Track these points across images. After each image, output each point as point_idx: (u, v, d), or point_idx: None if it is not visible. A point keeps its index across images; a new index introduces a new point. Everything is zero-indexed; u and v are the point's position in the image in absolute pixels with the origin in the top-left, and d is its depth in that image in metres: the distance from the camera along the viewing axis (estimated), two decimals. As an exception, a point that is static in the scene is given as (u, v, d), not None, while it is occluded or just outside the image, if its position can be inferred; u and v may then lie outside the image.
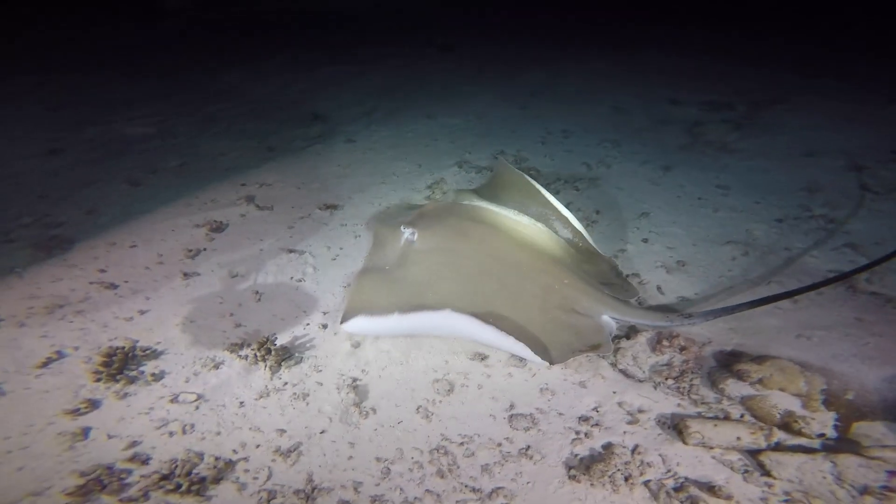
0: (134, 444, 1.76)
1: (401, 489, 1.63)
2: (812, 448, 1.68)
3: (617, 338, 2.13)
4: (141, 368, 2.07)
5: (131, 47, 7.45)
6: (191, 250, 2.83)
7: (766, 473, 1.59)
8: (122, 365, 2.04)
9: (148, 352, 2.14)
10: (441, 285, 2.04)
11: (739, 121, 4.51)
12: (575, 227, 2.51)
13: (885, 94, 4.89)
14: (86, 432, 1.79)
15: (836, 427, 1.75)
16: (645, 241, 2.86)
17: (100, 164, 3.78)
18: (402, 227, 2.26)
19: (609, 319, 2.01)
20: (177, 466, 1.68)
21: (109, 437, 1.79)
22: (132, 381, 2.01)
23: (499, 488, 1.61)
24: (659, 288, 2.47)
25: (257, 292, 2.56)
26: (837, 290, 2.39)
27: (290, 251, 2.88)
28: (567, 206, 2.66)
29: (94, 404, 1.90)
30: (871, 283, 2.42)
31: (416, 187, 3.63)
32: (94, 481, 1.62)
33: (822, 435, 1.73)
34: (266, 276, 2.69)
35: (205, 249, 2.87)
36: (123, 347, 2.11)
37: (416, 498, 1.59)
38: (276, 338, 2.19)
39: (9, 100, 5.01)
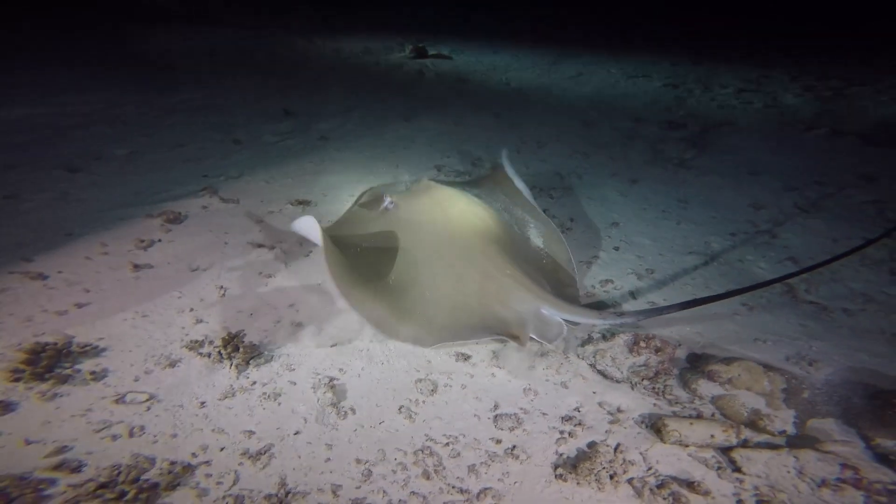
0: (62, 449, 1.51)
1: (384, 491, 1.52)
2: (777, 444, 1.76)
3: (592, 340, 2.16)
4: (77, 366, 1.81)
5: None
6: (143, 241, 2.56)
7: (738, 469, 1.65)
8: (51, 362, 1.77)
9: (87, 348, 1.88)
10: (398, 253, 2.24)
11: (694, 139, 4.86)
12: (550, 232, 2.62)
13: (804, 121, 5.49)
14: (-6, 438, 1.52)
15: (795, 424, 1.86)
16: (616, 249, 2.96)
17: (27, 149, 3.37)
18: (385, 196, 2.47)
19: (548, 314, 2.05)
20: (120, 473, 1.46)
21: (28, 442, 1.53)
22: (64, 380, 1.75)
23: (486, 489, 1.55)
24: (632, 293, 2.54)
25: (222, 287, 2.35)
26: (784, 298, 2.58)
27: (259, 246, 2.69)
28: (543, 212, 2.74)
29: (7, 407, 1.62)
30: (809, 293, 2.64)
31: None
32: (-5, 495, 1.33)
33: (783, 432, 1.83)
34: (232, 270, 2.49)
35: (160, 240, 2.61)
36: (55, 343, 1.84)
37: (400, 500, 1.49)
38: (245, 334, 2.01)
39: None
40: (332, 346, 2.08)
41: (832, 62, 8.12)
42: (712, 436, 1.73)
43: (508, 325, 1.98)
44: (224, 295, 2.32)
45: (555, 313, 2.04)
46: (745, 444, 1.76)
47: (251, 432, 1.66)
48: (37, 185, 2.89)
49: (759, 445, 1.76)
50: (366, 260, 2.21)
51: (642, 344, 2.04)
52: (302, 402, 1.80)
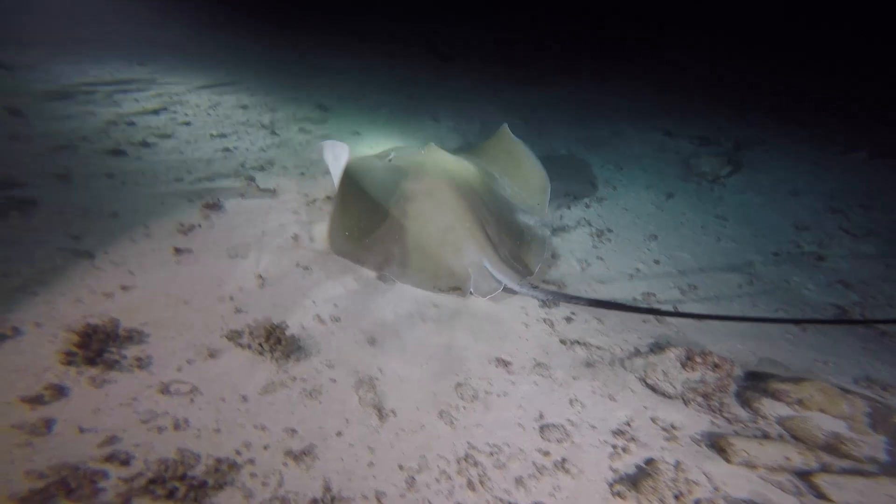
0: (112, 440, 1.48)
1: (429, 501, 1.48)
2: (869, 472, 1.65)
3: (640, 353, 2.10)
4: (123, 352, 1.79)
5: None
6: (183, 225, 2.55)
7: (823, 496, 1.54)
8: (101, 346, 1.76)
9: (132, 333, 1.86)
10: (383, 194, 2.64)
11: (728, 156, 4.76)
12: (537, 197, 3.03)
13: (838, 143, 5.35)
14: (49, 425, 1.49)
15: (887, 451, 1.74)
16: (657, 262, 2.89)
17: (77, 128, 3.39)
18: (391, 151, 3.01)
19: (489, 269, 2.40)
20: (168, 468, 1.43)
21: (81, 430, 1.51)
22: (112, 366, 1.73)
23: (537, 503, 1.49)
24: (675, 307, 2.48)
25: (260, 276, 2.33)
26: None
27: (296, 237, 2.67)
28: (577, 223, 2.73)
29: (61, 392, 1.60)
30: (864, 316, 2.55)
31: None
32: (56, 484, 1.31)
33: (873, 458, 1.70)
34: (270, 260, 2.46)
35: (199, 226, 2.60)
36: (104, 327, 1.83)
37: (448, 511, 1.45)
38: (286, 327, 1.98)
39: None
40: (370, 345, 2.04)
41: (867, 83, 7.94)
42: (787, 458, 1.64)
43: (456, 276, 2.38)
44: (262, 285, 2.29)
45: (492, 270, 2.37)
46: (826, 468, 1.66)
47: (293, 430, 1.63)
48: (86, 166, 2.90)
49: (846, 471, 1.66)
50: (359, 195, 2.64)
51: (697, 360, 1.97)
52: (343, 402, 1.76)
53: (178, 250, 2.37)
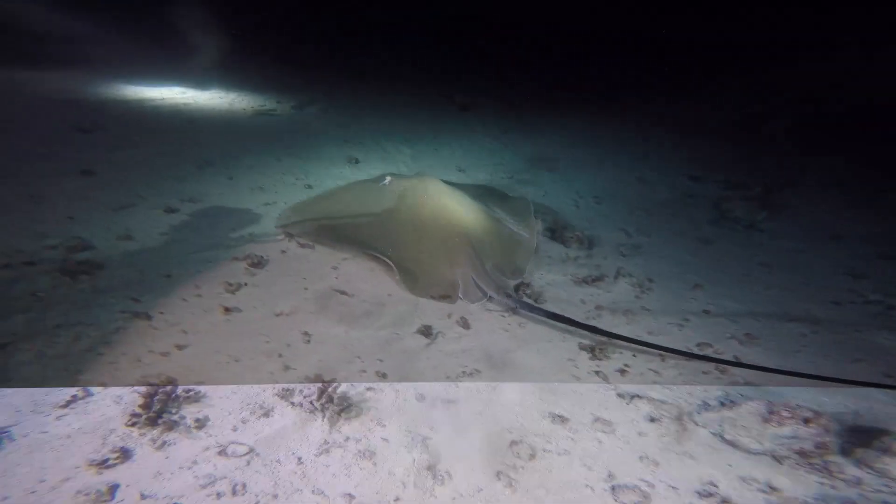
0: (173, 507, 1.45)
1: (499, 578, 1.36)
2: None
3: (712, 406, 1.99)
4: (182, 412, 1.79)
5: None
6: (231, 284, 2.63)
7: None
8: (162, 407, 1.76)
9: (189, 393, 1.87)
10: (377, 213, 3.05)
11: (759, 200, 4.74)
12: (526, 228, 3.36)
13: (872, 182, 5.28)
14: (113, 491, 1.47)
15: None
16: (706, 312, 2.81)
17: (134, 188, 3.63)
18: (386, 176, 3.27)
19: (476, 281, 2.73)
20: (229, 538, 1.38)
21: (143, 496, 1.48)
22: (172, 427, 1.72)
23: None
24: (736, 357, 2.37)
25: (306, 333, 2.35)
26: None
27: (342, 293, 2.71)
28: (618, 272, 2.73)
29: (125, 454, 1.59)
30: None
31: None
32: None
33: None
34: (314, 316, 2.49)
35: (246, 284, 2.68)
36: (164, 387, 1.84)
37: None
38: (337, 384, 1.96)
39: (45, 118, 4.94)
40: (419, 401, 2.00)
41: None
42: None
43: (445, 284, 2.70)
44: (309, 341, 2.31)
45: (478, 282, 2.70)
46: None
47: (351, 496, 1.56)
48: (145, 225, 3.08)
49: None
50: (353, 213, 3.07)
51: (783, 413, 1.83)
52: (397, 463, 1.70)
53: (227, 309, 2.43)
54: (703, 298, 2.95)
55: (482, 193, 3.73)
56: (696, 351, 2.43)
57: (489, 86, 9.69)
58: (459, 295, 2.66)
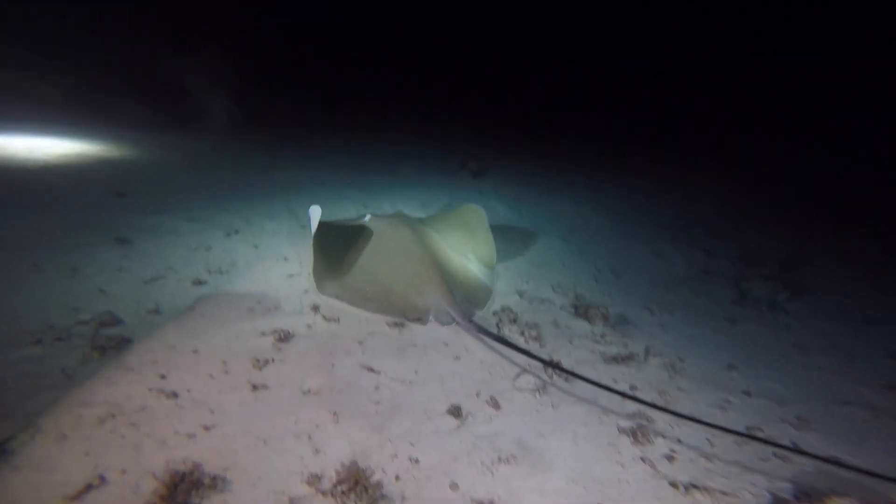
0: None
1: None
2: None
3: (786, 499, 1.82)
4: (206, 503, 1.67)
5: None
6: (258, 360, 2.59)
7: None
8: (185, 497, 1.65)
9: (216, 481, 1.76)
10: (356, 246, 3.47)
11: (778, 279, 4.75)
12: (486, 262, 3.98)
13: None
14: None
15: None
16: (747, 393, 2.70)
17: (164, 258, 3.72)
18: (366, 214, 3.73)
19: (445, 306, 3.14)
20: None
21: None
22: (194, 519, 1.60)
23: None
24: (794, 443, 2.22)
25: (335, 413, 2.26)
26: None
27: (369, 370, 2.65)
28: (647, 351, 2.70)
29: None
30: None
31: (482, 314, 3.57)
32: None
33: None
34: (342, 395, 2.42)
35: (273, 360, 2.63)
36: (189, 474, 1.74)
37: None
38: (371, 472, 1.84)
39: (84, 184, 5.16)
40: (453, 490, 1.86)
41: None
42: None
43: (417, 309, 3.12)
44: (338, 421, 2.21)
45: (448, 308, 3.10)
46: None
47: None
48: (173, 299, 3.10)
49: None
50: (337, 246, 3.43)
51: None
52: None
53: (254, 387, 2.37)
54: (741, 379, 2.85)
55: (457, 226, 4.16)
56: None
57: (498, 148, 10.20)
58: (431, 317, 3.13)
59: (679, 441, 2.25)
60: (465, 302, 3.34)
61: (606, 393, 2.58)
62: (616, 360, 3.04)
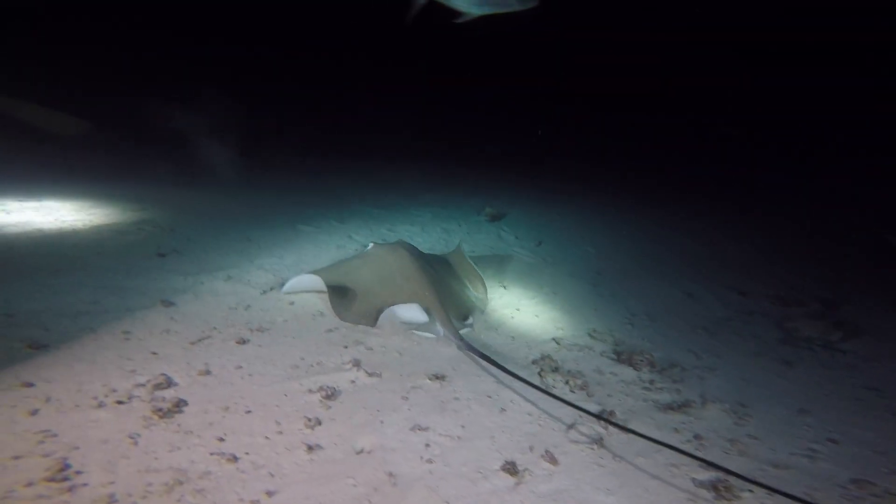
0: None
1: None
2: None
3: None
4: (274, 577, 1.60)
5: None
6: (310, 419, 2.56)
7: None
8: (254, 570, 1.59)
9: (282, 552, 1.70)
10: (357, 271, 4.05)
11: (823, 317, 4.58)
12: (477, 289, 4.60)
13: None
14: None
15: None
16: (833, 441, 2.53)
17: (207, 319, 3.79)
18: (371, 243, 4.38)
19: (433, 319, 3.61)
20: None
21: None
22: None
23: None
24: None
25: (391, 474, 2.19)
26: None
27: (418, 427, 2.59)
28: (703, 397, 2.65)
29: None
30: None
31: (521, 362, 3.51)
32: None
33: None
34: (395, 453, 2.36)
35: (322, 420, 2.60)
36: (255, 544, 1.69)
37: None
38: (442, 542, 1.76)
39: (127, 246, 5.38)
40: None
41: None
42: None
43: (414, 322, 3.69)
44: (395, 484, 2.14)
45: (438, 324, 3.55)
46: None
47: None
48: (220, 358, 3.13)
49: None
50: (346, 276, 3.98)
51: None
52: None
53: (309, 448, 2.33)
54: (818, 426, 2.68)
55: (449, 259, 4.88)
56: (854, 491, 2.12)
57: (511, 189, 10.33)
58: (416, 331, 3.66)
59: (769, 494, 2.08)
60: (458, 319, 3.78)
61: (674, 443, 2.46)
62: (672, 407, 2.92)
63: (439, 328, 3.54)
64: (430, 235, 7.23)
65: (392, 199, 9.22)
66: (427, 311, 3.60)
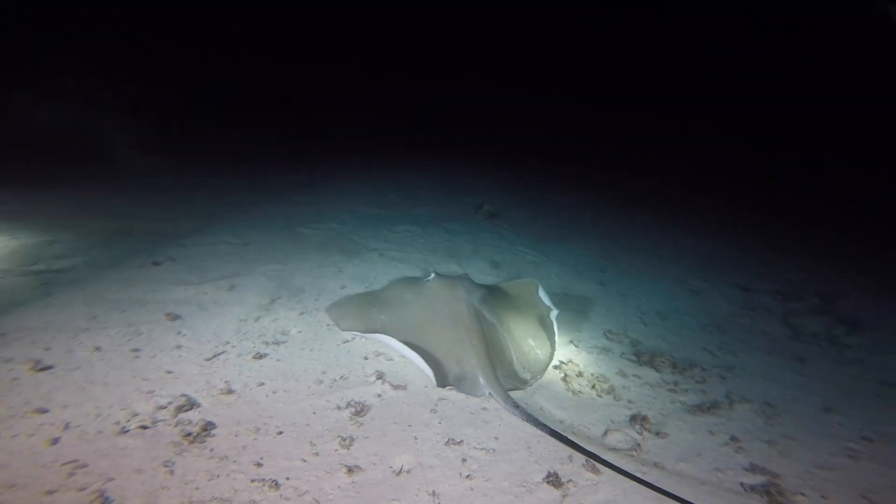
0: None
1: None
2: None
3: None
4: None
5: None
6: (344, 438, 2.47)
7: None
8: None
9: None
10: (415, 306, 3.57)
11: (824, 312, 4.71)
12: (542, 345, 3.51)
13: None
14: None
15: None
16: (868, 440, 2.58)
17: (218, 333, 3.63)
18: (431, 272, 3.87)
19: (482, 382, 2.99)
20: None
21: None
22: None
23: None
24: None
25: (434, 493, 2.13)
26: None
27: (452, 441, 2.54)
28: (729, 397, 2.70)
29: None
30: None
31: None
32: None
33: None
34: (434, 470, 2.30)
35: (356, 438, 2.52)
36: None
37: None
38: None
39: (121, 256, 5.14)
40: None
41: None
42: None
43: (448, 376, 3.04)
44: (439, 503, 2.08)
45: (485, 384, 2.98)
46: None
47: None
48: (240, 376, 3.00)
49: None
50: (400, 303, 3.61)
51: None
52: None
53: (349, 469, 2.24)
54: (848, 424, 2.73)
55: (517, 305, 3.87)
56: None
57: (508, 186, 10.28)
58: (463, 391, 3.00)
59: (824, 497, 2.11)
60: (507, 377, 3.15)
61: (712, 447, 2.47)
62: (701, 409, 2.94)
63: (483, 387, 2.98)
64: (432, 237, 7.13)
65: (392, 198, 9.10)
66: (468, 371, 3.08)
